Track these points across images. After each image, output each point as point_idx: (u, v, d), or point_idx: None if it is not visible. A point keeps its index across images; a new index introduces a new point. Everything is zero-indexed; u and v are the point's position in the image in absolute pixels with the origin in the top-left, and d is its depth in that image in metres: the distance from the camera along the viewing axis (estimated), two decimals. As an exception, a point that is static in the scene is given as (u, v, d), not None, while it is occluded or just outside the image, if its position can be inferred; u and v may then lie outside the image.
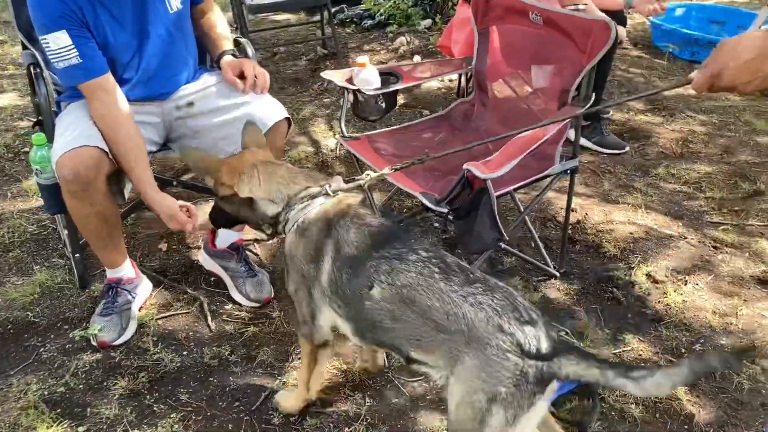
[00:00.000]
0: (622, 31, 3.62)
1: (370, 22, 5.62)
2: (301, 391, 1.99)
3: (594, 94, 2.42)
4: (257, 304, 2.48)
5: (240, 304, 2.49)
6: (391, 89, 2.68)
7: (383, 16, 5.58)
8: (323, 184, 1.80)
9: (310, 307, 1.80)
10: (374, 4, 5.74)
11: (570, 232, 2.88)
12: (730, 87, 1.39)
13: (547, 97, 2.64)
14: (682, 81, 1.57)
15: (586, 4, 3.25)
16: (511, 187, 2.36)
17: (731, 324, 2.38)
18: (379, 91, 2.64)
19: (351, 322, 1.71)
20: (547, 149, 2.48)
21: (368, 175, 1.89)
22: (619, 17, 3.60)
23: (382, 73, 2.69)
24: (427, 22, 5.45)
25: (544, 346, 1.43)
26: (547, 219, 3.05)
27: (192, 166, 1.85)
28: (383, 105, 2.80)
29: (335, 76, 2.65)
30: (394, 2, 5.63)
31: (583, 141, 3.61)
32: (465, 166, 2.06)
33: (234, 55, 2.40)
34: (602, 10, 3.40)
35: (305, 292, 1.79)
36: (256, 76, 2.33)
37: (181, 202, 2.16)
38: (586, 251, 2.81)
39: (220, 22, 2.49)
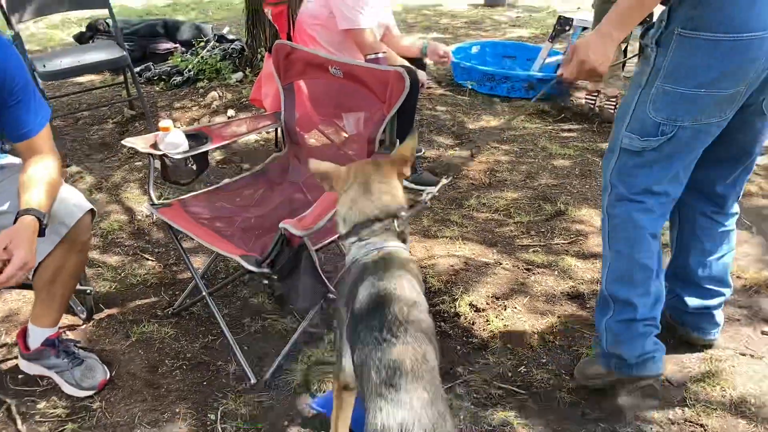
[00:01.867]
0: (422, 75, 3.82)
1: (179, 78, 5.47)
2: None
3: (399, 140, 2.52)
4: (92, 392, 2.29)
5: (76, 397, 2.28)
6: (200, 150, 2.62)
7: (192, 72, 5.46)
8: (390, 219, 1.73)
9: (339, 344, 1.76)
10: (182, 60, 5.60)
11: (396, 272, 2.95)
12: (592, 69, 1.84)
13: (361, 143, 2.71)
14: (556, 77, 2.07)
15: (385, 52, 3.40)
16: (333, 237, 2.38)
17: (549, 341, 2.55)
18: (187, 154, 2.56)
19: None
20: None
21: (429, 194, 1.92)
22: (419, 62, 3.81)
23: (189, 135, 2.62)
24: (239, 75, 5.42)
25: None
26: (373, 262, 3.10)
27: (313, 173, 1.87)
28: (194, 167, 2.72)
29: (138, 142, 2.53)
30: (202, 57, 5.54)
31: (400, 181, 3.74)
32: (281, 225, 2.05)
33: (39, 219, 1.90)
34: (403, 57, 3.59)
35: (339, 327, 1.75)
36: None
37: None
38: (413, 289, 2.89)
39: (42, 171, 2.05)
